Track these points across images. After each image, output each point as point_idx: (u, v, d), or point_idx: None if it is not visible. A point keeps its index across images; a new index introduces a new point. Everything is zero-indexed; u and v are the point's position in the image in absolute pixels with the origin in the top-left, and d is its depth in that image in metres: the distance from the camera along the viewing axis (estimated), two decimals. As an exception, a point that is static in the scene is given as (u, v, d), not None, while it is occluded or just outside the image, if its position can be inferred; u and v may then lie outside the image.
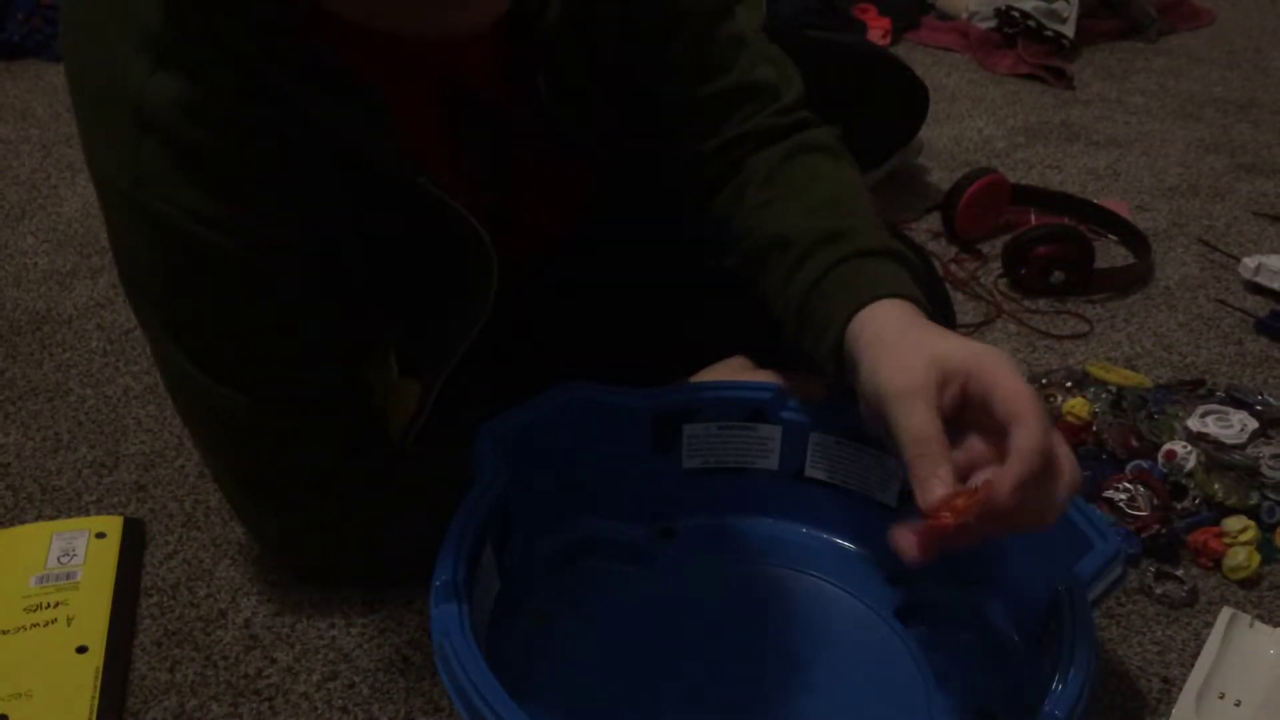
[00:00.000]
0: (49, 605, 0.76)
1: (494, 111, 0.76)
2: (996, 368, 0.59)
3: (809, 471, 0.78)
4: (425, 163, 0.67)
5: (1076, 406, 0.95)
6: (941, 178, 1.42)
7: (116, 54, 0.61)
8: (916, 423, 0.59)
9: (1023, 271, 1.16)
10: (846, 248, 0.69)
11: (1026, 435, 0.57)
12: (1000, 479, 0.56)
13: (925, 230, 1.30)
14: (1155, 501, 0.85)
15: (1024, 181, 1.40)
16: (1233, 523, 0.83)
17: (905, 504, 0.75)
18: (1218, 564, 0.81)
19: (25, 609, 0.76)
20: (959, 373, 0.60)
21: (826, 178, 0.76)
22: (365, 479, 0.74)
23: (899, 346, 0.63)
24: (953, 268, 1.21)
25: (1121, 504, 0.85)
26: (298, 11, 0.60)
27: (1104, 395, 0.98)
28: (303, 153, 0.64)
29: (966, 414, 0.61)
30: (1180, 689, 0.71)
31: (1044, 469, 0.57)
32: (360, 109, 0.64)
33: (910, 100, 1.29)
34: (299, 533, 0.76)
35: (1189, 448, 0.89)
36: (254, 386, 0.69)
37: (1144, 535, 0.82)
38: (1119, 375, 1.02)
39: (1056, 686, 0.56)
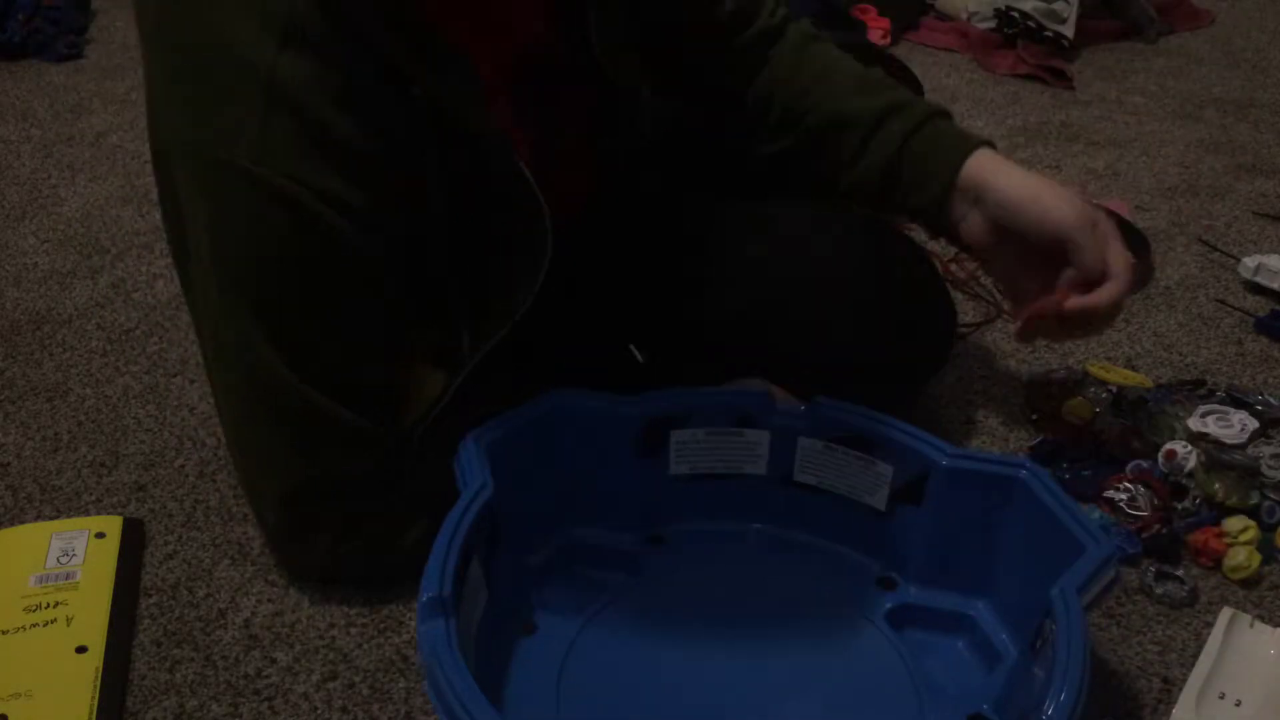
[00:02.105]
0: (49, 605, 0.76)
1: (551, 62, 0.77)
2: (1082, 240, 0.78)
3: (798, 476, 0.78)
4: (500, 122, 0.69)
5: (1076, 406, 0.95)
6: (941, 178, 1.42)
7: (238, 32, 0.61)
8: (1095, 245, 0.78)
9: (1023, 271, 1.16)
10: (913, 116, 0.84)
11: (1111, 289, 0.78)
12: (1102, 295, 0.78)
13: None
14: (1155, 501, 0.85)
15: (1024, 182, 1.40)
16: (1233, 523, 0.83)
17: (894, 507, 0.75)
18: (1218, 564, 0.81)
19: (25, 609, 0.76)
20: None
21: (841, 60, 0.89)
22: (390, 482, 0.74)
23: (1041, 184, 0.79)
24: (953, 268, 1.21)
25: (1122, 504, 0.85)
26: None
27: (1104, 395, 0.98)
28: (411, 131, 0.65)
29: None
30: (1180, 689, 0.71)
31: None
32: (462, 84, 0.65)
33: None
34: (336, 542, 0.76)
35: (1189, 448, 0.89)
36: (328, 381, 0.69)
37: (1144, 535, 0.82)
38: (1119, 375, 1.02)
39: (1051, 692, 0.56)
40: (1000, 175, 0.80)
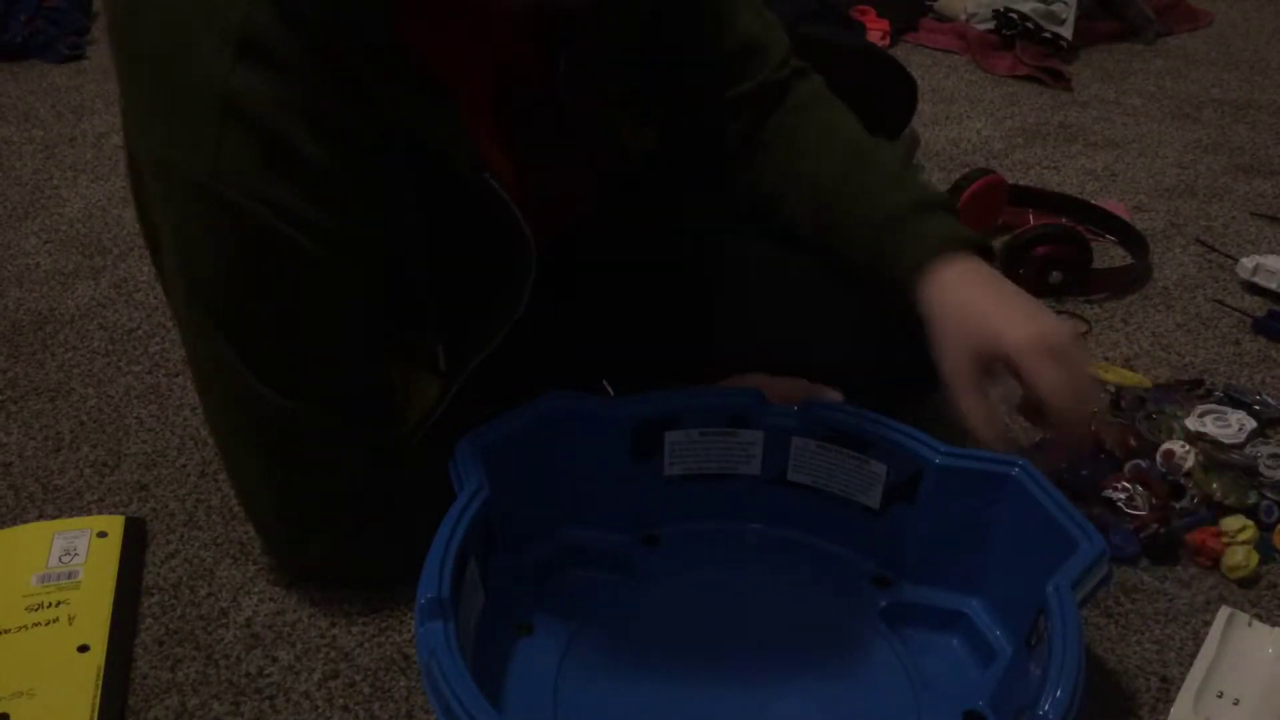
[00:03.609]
0: (51, 604, 0.76)
1: (537, 92, 0.75)
2: (1031, 369, 0.69)
3: (791, 476, 0.78)
4: (482, 149, 0.67)
5: (1075, 406, 0.95)
6: (940, 179, 1.42)
7: (195, 43, 0.60)
8: (968, 411, 0.71)
9: (1021, 272, 1.16)
10: (886, 205, 0.77)
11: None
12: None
13: (924, 231, 1.30)
14: (1154, 501, 0.85)
15: (1022, 182, 1.40)
16: (1231, 522, 0.83)
17: (888, 506, 0.75)
18: (1216, 563, 0.81)
19: (27, 608, 0.76)
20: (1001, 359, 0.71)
21: (838, 132, 0.84)
22: (390, 485, 0.74)
23: (955, 330, 0.72)
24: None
25: (1120, 504, 0.85)
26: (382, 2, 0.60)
27: (1103, 395, 0.98)
28: (378, 148, 0.63)
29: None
30: (1179, 688, 0.71)
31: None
32: (436, 106, 0.64)
33: (898, 93, 1.28)
34: (337, 547, 0.76)
35: (1187, 447, 0.90)
36: (306, 393, 0.68)
37: (1143, 535, 0.83)
38: (1117, 375, 1.02)
39: (1048, 688, 0.56)
40: (949, 291, 0.72)
